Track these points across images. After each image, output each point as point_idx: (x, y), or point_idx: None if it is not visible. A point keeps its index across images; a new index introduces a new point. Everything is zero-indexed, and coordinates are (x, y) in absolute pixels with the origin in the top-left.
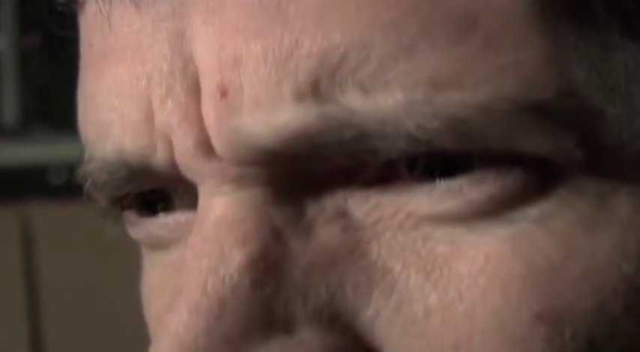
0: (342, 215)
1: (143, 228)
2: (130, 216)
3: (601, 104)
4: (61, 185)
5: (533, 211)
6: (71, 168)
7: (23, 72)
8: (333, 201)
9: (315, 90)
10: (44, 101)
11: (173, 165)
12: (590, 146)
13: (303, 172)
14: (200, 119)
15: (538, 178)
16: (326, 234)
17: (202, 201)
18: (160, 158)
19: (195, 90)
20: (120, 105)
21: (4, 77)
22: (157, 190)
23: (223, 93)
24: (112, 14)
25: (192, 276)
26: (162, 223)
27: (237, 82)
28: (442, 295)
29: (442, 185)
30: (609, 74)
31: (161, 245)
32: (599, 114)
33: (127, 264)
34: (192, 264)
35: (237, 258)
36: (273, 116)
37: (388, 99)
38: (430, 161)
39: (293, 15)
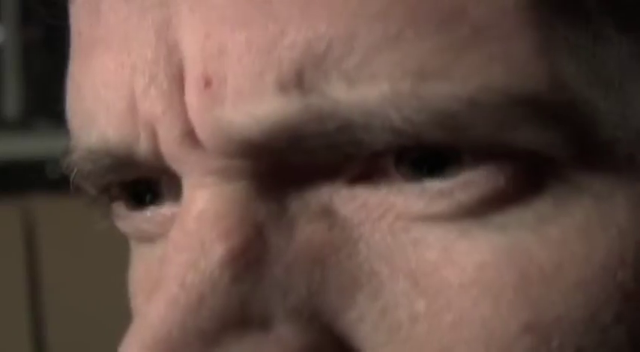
0: (328, 212)
1: (130, 222)
2: (118, 208)
3: (593, 98)
4: (63, 178)
5: (527, 214)
6: None
7: (25, 64)
8: (318, 198)
9: (298, 80)
10: (46, 94)
11: (157, 155)
12: (582, 142)
13: (288, 166)
14: (184, 109)
15: (530, 176)
16: (310, 232)
17: (186, 193)
18: (143, 148)
19: (179, 79)
20: (105, 94)
21: (5, 70)
22: (145, 182)
23: (207, 83)
24: (100, 3)
25: (172, 270)
26: (149, 217)
27: (221, 72)
28: (430, 303)
29: (432, 185)
30: (602, 68)
31: (147, 238)
32: (590, 109)
33: (130, 257)
34: (172, 258)
35: (217, 252)
36: (255, 107)
37: (374, 91)
38: (418, 156)
39: (278, 4)
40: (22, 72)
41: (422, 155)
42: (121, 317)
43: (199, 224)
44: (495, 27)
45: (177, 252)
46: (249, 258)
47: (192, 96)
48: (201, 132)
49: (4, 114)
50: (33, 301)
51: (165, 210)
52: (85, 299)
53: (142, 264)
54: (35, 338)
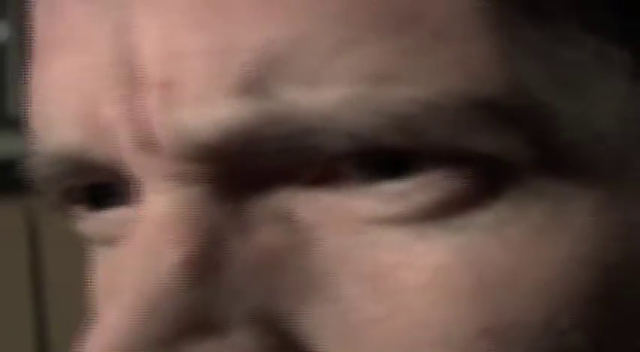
0: (286, 216)
1: (91, 224)
2: (79, 210)
3: (554, 101)
4: None
5: (486, 217)
6: None
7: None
8: (276, 201)
9: (255, 84)
10: None
11: (116, 159)
12: (542, 145)
13: (245, 170)
14: (143, 113)
15: (489, 180)
16: (268, 235)
17: (144, 197)
18: (102, 152)
19: (138, 82)
20: (63, 97)
21: (8, 67)
22: (106, 185)
23: (166, 87)
24: (61, 4)
25: (128, 275)
26: (110, 220)
27: (179, 76)
28: (388, 305)
29: (390, 187)
30: (564, 70)
31: (108, 241)
32: (551, 112)
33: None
34: (129, 263)
35: (173, 258)
36: (212, 111)
37: (332, 95)
38: (377, 159)
39: (237, 7)
40: (24, 70)
41: (381, 158)
42: None
43: (157, 229)
44: (454, 30)
45: (135, 257)
46: (206, 263)
47: (151, 99)
48: (160, 137)
49: (8, 113)
50: (36, 300)
51: (125, 213)
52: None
53: (102, 267)
54: (38, 338)
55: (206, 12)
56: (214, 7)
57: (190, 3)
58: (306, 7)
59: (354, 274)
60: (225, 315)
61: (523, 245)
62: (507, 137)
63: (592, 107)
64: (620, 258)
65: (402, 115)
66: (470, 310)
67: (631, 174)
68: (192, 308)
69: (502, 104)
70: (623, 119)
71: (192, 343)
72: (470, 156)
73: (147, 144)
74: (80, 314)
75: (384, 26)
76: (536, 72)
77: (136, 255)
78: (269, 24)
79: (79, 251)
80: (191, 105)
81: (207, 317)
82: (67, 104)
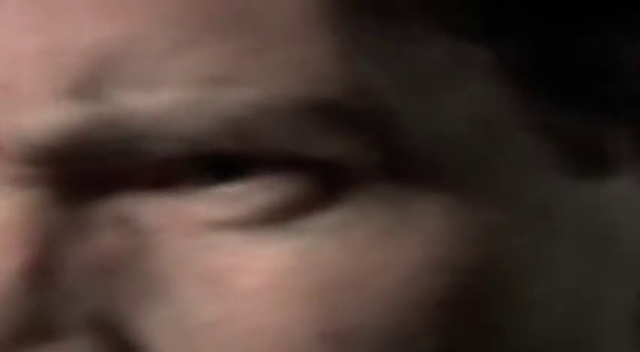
0: (127, 219)
1: None
2: None
3: (399, 104)
4: None
5: (328, 220)
6: None
7: None
8: (117, 205)
9: (87, 86)
10: None
11: None
12: (384, 149)
13: (84, 174)
14: None
15: (329, 183)
16: (108, 239)
17: None
18: None
19: None
20: None
21: None
22: None
23: (3, 89)
24: None
25: None
26: None
27: (15, 78)
28: (223, 309)
29: (228, 190)
30: (412, 71)
31: None
32: (394, 114)
33: None
34: None
35: (12, 263)
36: (44, 114)
37: (164, 97)
38: (214, 162)
39: (71, 8)
40: None
41: (218, 161)
42: None
43: None
44: (294, 31)
45: None
46: (44, 268)
47: None
48: (0, 139)
49: None
50: None
51: None
52: None
53: None
54: None
55: (40, 14)
56: (49, 7)
57: (26, 5)
58: (142, 9)
59: (191, 278)
60: (63, 320)
61: (368, 248)
62: (347, 141)
63: (443, 108)
64: (476, 262)
65: (234, 119)
66: (311, 313)
67: (486, 175)
68: (29, 314)
69: (342, 107)
70: (479, 120)
71: (29, 348)
72: (308, 160)
73: None
74: None
75: (222, 27)
76: (380, 74)
77: None
78: (103, 24)
79: None
80: (26, 108)
81: (45, 323)
82: None
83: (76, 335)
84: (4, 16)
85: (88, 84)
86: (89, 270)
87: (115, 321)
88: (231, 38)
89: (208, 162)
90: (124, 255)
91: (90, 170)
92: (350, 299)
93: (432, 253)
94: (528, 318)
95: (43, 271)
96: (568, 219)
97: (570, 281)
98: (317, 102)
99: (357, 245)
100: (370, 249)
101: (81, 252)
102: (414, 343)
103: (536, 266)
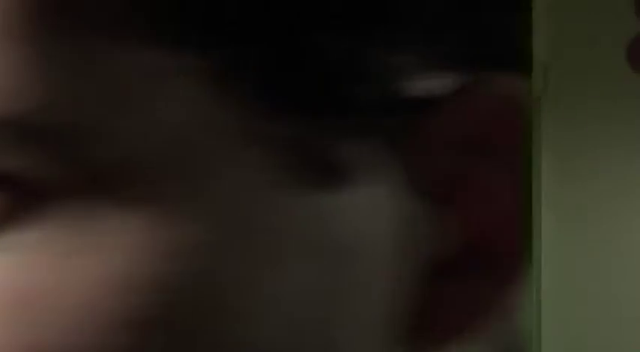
0: None
1: None
2: None
3: (89, 118)
4: None
5: (14, 237)
6: None
7: None
8: None
9: None
10: None
11: None
12: (72, 164)
13: None
14: None
15: (18, 199)
16: None
17: None
18: None
19: None
20: None
21: None
22: None
23: None
24: None
25: None
26: None
27: None
28: None
29: None
30: (108, 85)
31: None
32: (84, 129)
33: None
34: None
35: None
36: None
37: None
38: None
39: None
40: None
41: None
42: None
43: None
44: None
45: None
46: None
47: None
48: None
49: None
50: None
51: None
52: None
53: None
54: None
55: None
56: None
57: None
58: None
59: None
60: None
61: (54, 266)
62: (33, 155)
63: (146, 120)
64: (173, 278)
65: None
66: (8, 331)
67: (196, 189)
68: None
69: (24, 122)
70: (190, 131)
71: None
72: None
73: None
74: None
75: None
76: (71, 89)
77: None
78: None
79: None
80: None
81: None
82: None
83: None
84: None
85: None
86: None
87: None
88: None
89: None
90: None
91: None
92: (44, 316)
93: (119, 270)
94: (243, 333)
95: None
96: (298, 233)
97: (306, 294)
98: (1, 116)
99: (44, 264)
100: (57, 267)
101: None
102: None
103: (254, 282)
